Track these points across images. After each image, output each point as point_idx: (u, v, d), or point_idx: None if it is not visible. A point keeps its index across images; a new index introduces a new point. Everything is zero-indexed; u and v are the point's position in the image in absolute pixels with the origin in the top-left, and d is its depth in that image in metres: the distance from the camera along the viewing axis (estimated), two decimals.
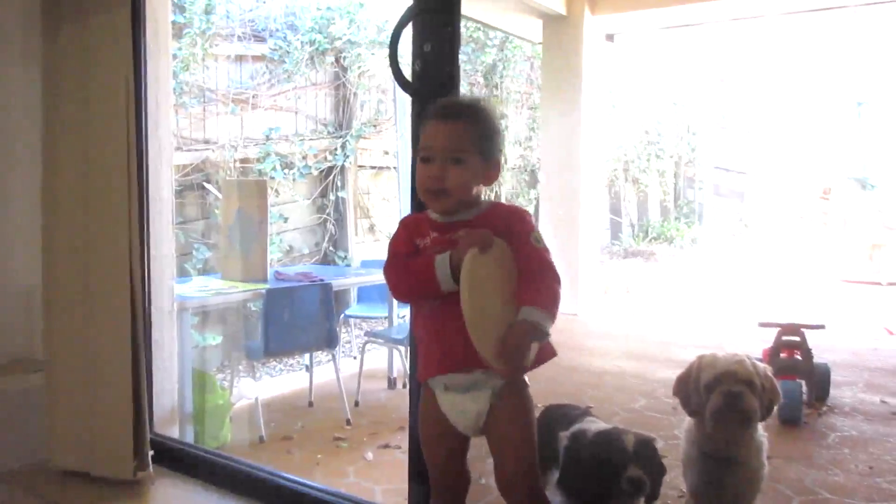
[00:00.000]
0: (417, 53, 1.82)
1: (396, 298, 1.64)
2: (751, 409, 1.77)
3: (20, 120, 2.65)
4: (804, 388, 3.37)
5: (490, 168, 1.53)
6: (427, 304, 1.55)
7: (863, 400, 3.64)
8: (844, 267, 8.09)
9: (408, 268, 1.51)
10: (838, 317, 5.70)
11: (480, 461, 1.64)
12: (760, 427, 1.85)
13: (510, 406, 1.52)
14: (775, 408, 1.84)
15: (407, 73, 1.85)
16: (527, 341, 1.41)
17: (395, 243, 1.57)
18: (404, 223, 1.60)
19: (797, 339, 3.46)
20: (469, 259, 1.40)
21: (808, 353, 3.44)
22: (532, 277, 1.45)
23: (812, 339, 3.48)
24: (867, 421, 3.32)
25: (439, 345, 1.53)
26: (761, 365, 1.84)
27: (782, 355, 3.45)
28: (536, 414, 1.90)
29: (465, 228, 1.48)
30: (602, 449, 1.70)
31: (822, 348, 3.65)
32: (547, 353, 1.52)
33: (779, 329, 3.50)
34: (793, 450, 2.96)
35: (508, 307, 1.43)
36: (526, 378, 1.55)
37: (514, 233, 1.48)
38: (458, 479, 1.63)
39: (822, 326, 3.62)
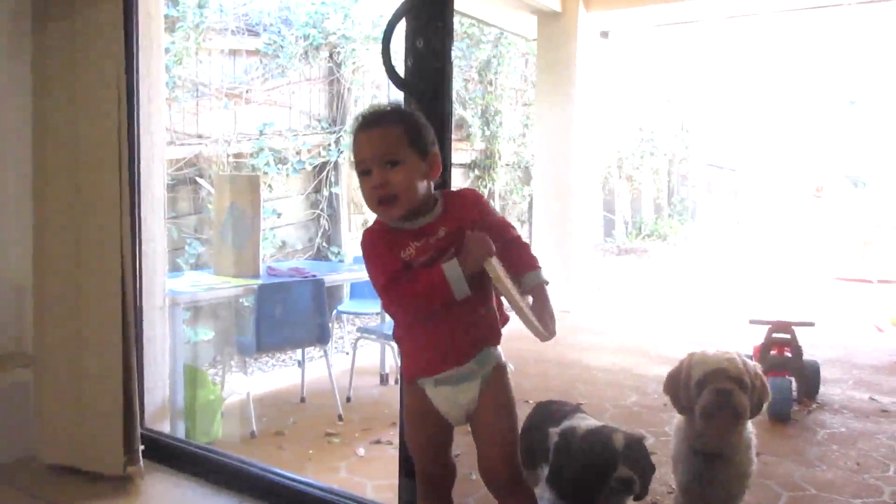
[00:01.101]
0: (409, 49, 1.83)
1: (407, 319, 1.58)
2: (740, 406, 1.78)
3: (10, 115, 2.63)
4: (794, 385, 3.39)
5: (429, 163, 1.53)
6: None
7: (852, 397, 3.66)
8: (836, 265, 8.12)
9: (414, 286, 1.47)
10: (829, 314, 5.73)
11: (471, 457, 1.65)
12: (749, 424, 1.86)
13: (495, 394, 1.56)
14: (765, 405, 1.85)
15: (400, 69, 1.85)
16: (549, 298, 1.55)
17: (384, 263, 1.50)
18: (375, 242, 1.53)
19: (787, 336, 3.48)
20: (492, 265, 1.46)
21: (798, 351, 3.46)
22: (515, 244, 1.58)
23: (802, 336, 3.50)
24: (856, 418, 3.34)
25: (434, 346, 1.55)
26: (751, 362, 1.85)
27: (772, 352, 3.47)
28: (528, 410, 1.91)
29: (446, 239, 1.50)
30: (592, 447, 1.71)
31: (813, 345, 3.67)
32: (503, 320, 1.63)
33: (769, 326, 3.52)
34: (782, 446, 2.98)
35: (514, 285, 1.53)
36: (510, 365, 1.60)
37: (484, 214, 1.58)
38: (444, 471, 1.66)
39: (812, 324, 3.63)
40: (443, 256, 1.49)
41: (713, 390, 1.78)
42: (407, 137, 1.50)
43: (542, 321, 1.50)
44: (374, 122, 1.52)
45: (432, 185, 1.55)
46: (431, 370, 1.56)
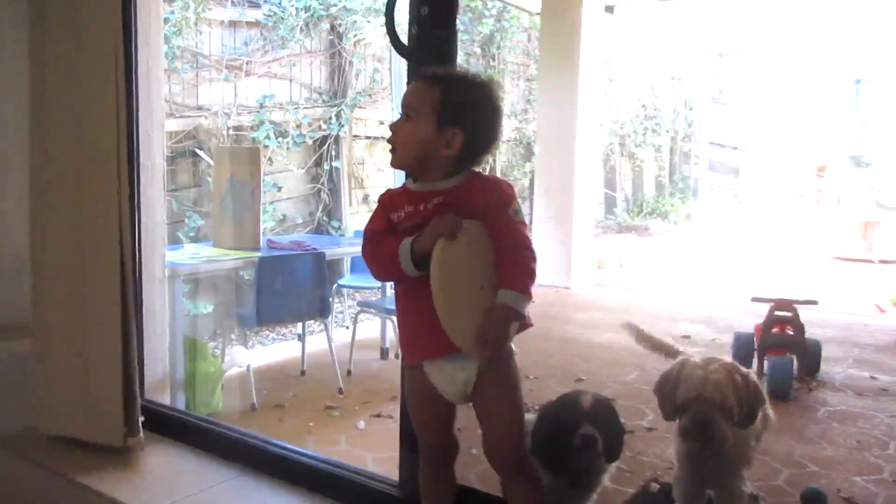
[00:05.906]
0: (414, 17, 1.79)
1: (374, 278, 1.65)
2: (719, 435, 1.66)
3: (7, 86, 2.60)
4: (795, 364, 3.38)
5: (442, 139, 1.45)
6: (406, 283, 1.52)
7: (853, 376, 3.66)
8: (837, 244, 8.11)
9: (377, 251, 1.50)
10: (830, 293, 5.71)
11: (471, 431, 1.64)
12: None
13: (496, 374, 1.51)
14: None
15: (404, 38, 1.82)
16: (506, 327, 1.43)
17: (371, 222, 1.55)
18: (381, 200, 1.56)
19: (790, 314, 3.46)
20: (438, 249, 1.39)
21: (800, 329, 3.45)
22: (508, 256, 1.44)
23: (804, 315, 3.49)
24: (856, 396, 3.34)
25: (424, 328, 1.48)
26: (743, 370, 1.73)
27: (774, 330, 3.46)
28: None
29: (437, 210, 1.45)
30: (560, 408, 1.73)
31: (814, 324, 3.66)
32: (523, 324, 1.51)
33: (771, 304, 3.50)
34: (782, 424, 2.97)
35: (483, 292, 1.43)
36: (513, 346, 1.54)
37: (490, 205, 1.45)
38: (446, 447, 1.64)
39: (814, 302, 3.62)
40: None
41: (692, 417, 1.68)
42: (435, 101, 1.46)
43: (471, 338, 1.41)
44: (423, 75, 1.54)
45: (449, 159, 1.48)
46: (419, 355, 1.53)
